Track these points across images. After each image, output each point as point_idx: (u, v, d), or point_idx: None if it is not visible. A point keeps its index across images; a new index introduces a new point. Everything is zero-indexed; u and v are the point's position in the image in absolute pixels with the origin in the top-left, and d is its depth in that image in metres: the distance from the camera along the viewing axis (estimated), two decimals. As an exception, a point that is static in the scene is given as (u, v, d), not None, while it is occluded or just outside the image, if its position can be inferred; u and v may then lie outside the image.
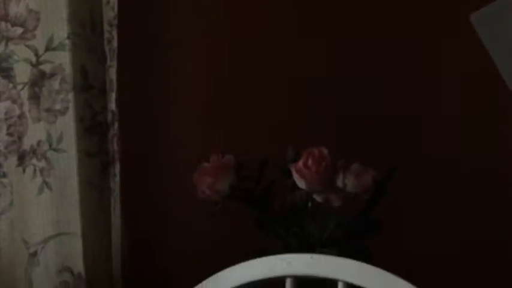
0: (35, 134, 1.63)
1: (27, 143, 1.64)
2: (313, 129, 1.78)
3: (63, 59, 1.62)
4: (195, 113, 1.83)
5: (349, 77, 1.79)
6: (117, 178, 1.67)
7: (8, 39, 1.64)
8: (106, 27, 1.67)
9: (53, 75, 1.63)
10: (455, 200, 1.78)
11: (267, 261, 1.27)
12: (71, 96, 1.62)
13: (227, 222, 1.60)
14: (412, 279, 1.18)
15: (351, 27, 1.80)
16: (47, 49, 1.62)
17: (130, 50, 1.73)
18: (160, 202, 1.81)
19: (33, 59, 1.63)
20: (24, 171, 1.64)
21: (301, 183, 1.51)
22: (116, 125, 1.67)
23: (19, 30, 1.63)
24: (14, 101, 1.65)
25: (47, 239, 1.63)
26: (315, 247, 1.49)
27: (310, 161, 1.49)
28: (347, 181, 1.51)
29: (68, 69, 1.62)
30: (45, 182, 1.63)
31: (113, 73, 1.67)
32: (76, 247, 1.62)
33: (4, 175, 1.66)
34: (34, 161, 1.64)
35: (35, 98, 1.63)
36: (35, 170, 1.64)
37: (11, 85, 1.65)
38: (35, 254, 1.64)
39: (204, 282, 1.32)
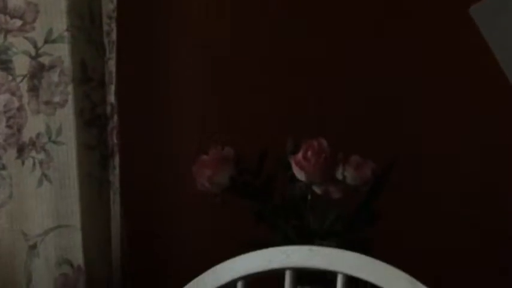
0: (34, 126, 1.63)
1: (27, 135, 1.64)
2: (313, 121, 1.78)
3: (62, 51, 1.62)
4: (195, 107, 1.82)
5: (350, 69, 1.79)
6: (117, 170, 1.67)
7: (7, 32, 1.64)
8: (105, 19, 1.67)
9: (52, 67, 1.62)
10: (455, 193, 1.78)
11: (266, 254, 1.27)
12: (70, 88, 1.62)
13: (226, 214, 1.60)
14: (412, 271, 1.18)
15: (353, 13, 1.80)
16: (46, 41, 1.62)
17: (129, 43, 1.73)
18: (160, 194, 1.81)
19: (32, 51, 1.63)
20: (23, 163, 1.64)
21: (300, 175, 1.50)
22: (115, 117, 1.67)
23: (18, 23, 1.63)
24: (13, 93, 1.64)
25: (47, 232, 1.63)
26: (314, 239, 1.49)
27: (309, 153, 1.49)
28: (346, 173, 1.51)
29: (67, 61, 1.62)
30: (44, 175, 1.63)
31: (112, 65, 1.67)
32: (75, 239, 1.62)
33: (3, 167, 1.66)
34: (33, 153, 1.63)
35: (34, 90, 1.63)
36: (34, 163, 1.63)
37: (10, 77, 1.64)
38: (34, 246, 1.64)
39: (204, 275, 1.31)
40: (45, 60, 1.62)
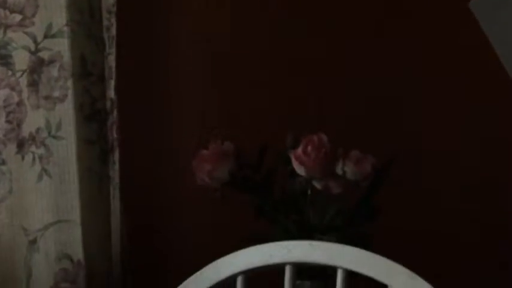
0: (34, 121, 1.63)
1: (26, 130, 1.64)
2: (313, 117, 1.78)
3: (62, 46, 1.62)
4: (194, 102, 1.82)
5: (351, 64, 1.79)
6: (117, 165, 1.67)
7: (7, 27, 1.64)
8: (105, 14, 1.67)
9: (51, 62, 1.62)
10: (455, 188, 1.78)
11: (266, 248, 1.27)
12: (69, 83, 1.62)
13: (226, 209, 1.60)
14: (411, 265, 1.18)
15: (353, 13, 1.80)
16: (46, 36, 1.62)
17: (129, 38, 1.73)
18: (160, 189, 1.81)
19: (32, 46, 1.63)
20: (23, 158, 1.64)
21: (300, 170, 1.50)
22: (115, 112, 1.67)
23: (17, 17, 1.63)
24: (13, 88, 1.64)
25: (47, 226, 1.63)
26: (314, 234, 1.49)
27: (309, 148, 1.49)
28: (346, 168, 1.51)
29: (67, 56, 1.62)
30: (44, 169, 1.63)
31: (111, 60, 1.67)
32: (75, 234, 1.62)
33: (3, 162, 1.66)
34: (33, 148, 1.63)
35: (33, 85, 1.63)
36: (34, 157, 1.63)
37: (9, 72, 1.64)
38: (34, 241, 1.64)
39: (204, 269, 1.31)
40: (44, 55, 1.62)
